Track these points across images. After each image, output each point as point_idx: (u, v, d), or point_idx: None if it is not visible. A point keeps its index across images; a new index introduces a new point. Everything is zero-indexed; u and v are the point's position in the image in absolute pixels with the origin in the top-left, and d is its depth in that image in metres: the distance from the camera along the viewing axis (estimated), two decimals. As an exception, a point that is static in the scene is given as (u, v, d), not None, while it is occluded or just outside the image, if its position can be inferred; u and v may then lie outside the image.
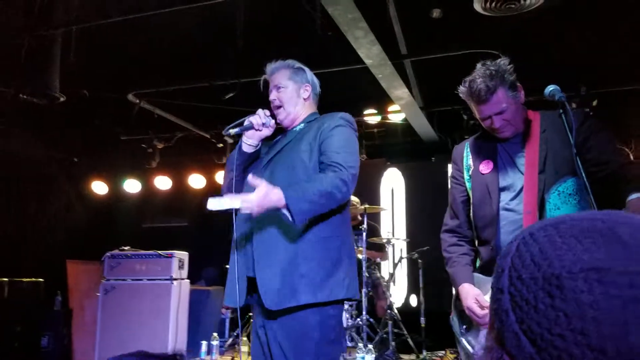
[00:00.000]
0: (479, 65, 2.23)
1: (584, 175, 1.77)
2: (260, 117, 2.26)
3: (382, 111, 5.77)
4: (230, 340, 5.10)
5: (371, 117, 5.87)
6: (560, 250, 0.52)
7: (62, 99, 4.17)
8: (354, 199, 5.48)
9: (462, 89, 2.27)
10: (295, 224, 1.97)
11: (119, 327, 4.93)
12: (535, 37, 4.36)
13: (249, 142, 2.30)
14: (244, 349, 4.65)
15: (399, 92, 4.44)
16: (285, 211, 1.96)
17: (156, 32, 4.60)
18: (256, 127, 2.26)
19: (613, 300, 0.48)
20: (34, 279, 5.66)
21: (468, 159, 2.41)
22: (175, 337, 4.93)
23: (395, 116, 5.80)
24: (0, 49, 4.13)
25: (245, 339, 4.77)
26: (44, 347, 5.85)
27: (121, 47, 4.79)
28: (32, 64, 3.91)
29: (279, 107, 2.36)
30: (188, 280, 5.25)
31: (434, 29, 4.58)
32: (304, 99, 2.41)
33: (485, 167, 2.31)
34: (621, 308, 0.48)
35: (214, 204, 2.04)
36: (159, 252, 5.09)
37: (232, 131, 2.25)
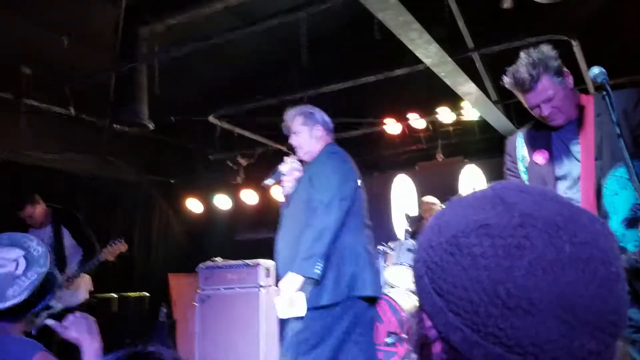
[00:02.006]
0: (522, 54, 2.20)
1: (627, 156, 1.70)
2: (287, 164, 2.87)
3: (456, 108, 5.69)
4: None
5: (445, 115, 5.80)
6: (458, 216, 0.61)
7: (151, 127, 4.57)
8: (431, 200, 5.43)
9: (506, 80, 2.25)
10: (317, 277, 2.48)
11: (216, 335, 5.25)
12: (608, 22, 4.13)
13: (287, 185, 2.87)
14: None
15: (466, 88, 4.37)
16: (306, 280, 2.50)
17: (225, 54, 4.92)
18: (287, 174, 2.84)
19: (499, 250, 0.56)
20: (139, 293, 6.16)
21: (522, 150, 2.37)
22: (266, 342, 5.16)
23: (470, 112, 5.69)
24: (93, 84, 4.61)
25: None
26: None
27: (199, 72, 5.18)
28: (121, 96, 4.34)
29: (299, 148, 2.88)
30: (276, 287, 5.47)
31: (501, 19, 4.47)
32: (317, 138, 2.88)
33: (540, 157, 2.26)
34: (506, 255, 0.55)
35: (282, 312, 2.60)
36: (246, 261, 5.38)
37: (268, 182, 2.91)
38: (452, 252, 0.59)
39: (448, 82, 4.18)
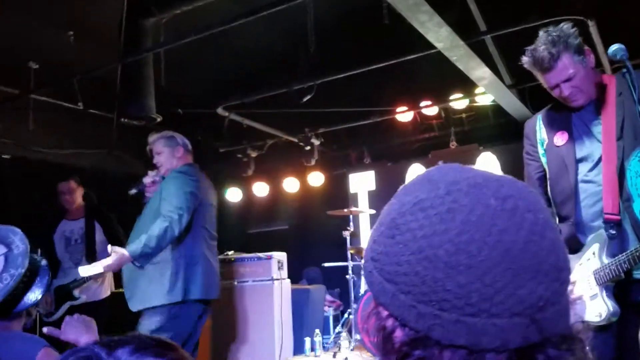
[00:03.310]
0: (541, 33, 2.11)
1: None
2: (149, 177, 3.41)
3: (469, 94, 5.56)
4: (333, 336, 5.19)
5: (458, 101, 5.68)
6: (394, 204, 0.66)
7: (158, 120, 4.52)
8: None
9: (525, 59, 2.17)
10: (138, 264, 2.97)
11: (230, 328, 5.21)
12: (625, 2, 3.97)
13: (148, 195, 3.36)
14: (345, 344, 4.71)
15: (479, 73, 4.25)
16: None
17: (232, 45, 4.84)
18: (148, 185, 3.37)
19: (433, 218, 0.59)
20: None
21: (541, 133, 2.29)
22: (282, 334, 5.12)
23: (484, 98, 5.56)
24: (100, 78, 4.57)
25: (346, 334, 4.83)
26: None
27: (204, 63, 5.10)
28: (127, 89, 4.28)
29: (160, 165, 3.39)
30: (288, 280, 5.43)
31: (514, 1, 4.34)
32: (177, 158, 3.40)
33: (560, 139, 2.17)
34: (440, 220, 0.58)
35: (85, 270, 3.02)
36: (258, 254, 5.33)
37: (132, 192, 3.42)
38: (392, 235, 0.61)
39: (460, 66, 4.07)
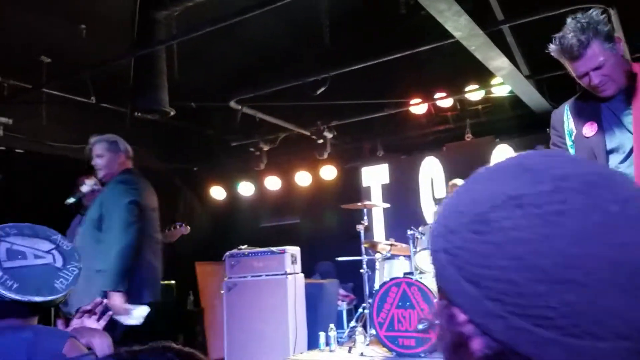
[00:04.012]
0: (569, 20, 2.03)
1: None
2: (87, 185, 3.49)
3: (485, 85, 5.47)
4: (347, 331, 5.15)
5: (473, 93, 5.58)
6: (479, 192, 0.55)
7: (172, 113, 4.48)
8: (460, 182, 5.25)
9: (552, 47, 2.09)
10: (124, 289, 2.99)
11: (244, 322, 5.19)
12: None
13: (87, 204, 3.38)
14: (360, 339, 4.66)
15: (498, 63, 4.16)
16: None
17: (244, 37, 4.79)
18: (87, 194, 3.44)
19: (533, 219, 0.50)
20: (166, 282, 6.14)
21: (569, 123, 2.21)
22: (295, 329, 5.09)
23: (500, 89, 5.47)
24: (113, 72, 4.54)
25: (361, 329, 4.78)
26: (180, 344, 6.35)
27: (217, 57, 5.06)
28: (141, 83, 4.25)
29: (100, 169, 3.32)
30: (302, 274, 5.39)
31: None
32: (119, 163, 3.35)
33: (589, 130, 2.10)
34: (544, 223, 0.49)
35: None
36: (272, 248, 5.29)
37: (70, 200, 3.44)
38: (478, 231, 0.52)
39: (478, 56, 3.98)
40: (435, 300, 3.18)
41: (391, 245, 5.04)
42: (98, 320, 1.84)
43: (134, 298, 3.05)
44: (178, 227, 4.46)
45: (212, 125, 6.56)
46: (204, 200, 7.72)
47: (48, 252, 1.61)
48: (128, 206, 3.05)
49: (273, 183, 7.28)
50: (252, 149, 6.58)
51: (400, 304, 4.27)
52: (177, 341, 5.50)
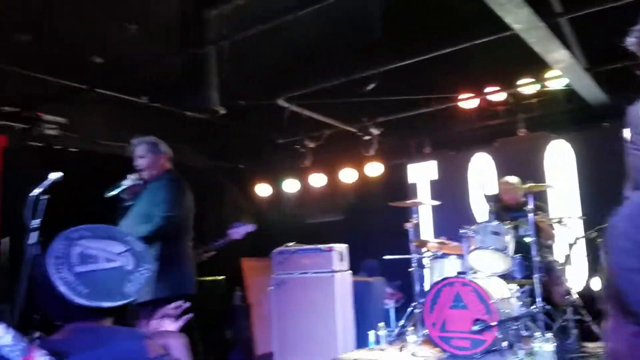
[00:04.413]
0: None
1: None
2: (129, 180, 3.58)
3: (539, 79, 5.28)
4: (397, 330, 5.08)
5: (527, 86, 5.40)
6: None
7: (221, 112, 4.50)
8: (513, 179, 5.09)
9: (631, 40, 1.95)
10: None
11: (292, 319, 5.20)
12: None
13: (126, 197, 3.60)
14: (412, 338, 4.59)
15: (558, 55, 4.00)
16: None
17: (292, 35, 4.75)
18: (128, 188, 3.56)
19: None
20: (215, 278, 6.21)
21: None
22: (344, 327, 5.06)
23: (555, 82, 5.27)
24: (162, 71, 4.59)
25: (412, 328, 4.70)
26: (229, 339, 6.42)
27: (264, 54, 5.04)
28: (191, 82, 4.28)
29: (142, 169, 3.60)
30: (349, 272, 5.36)
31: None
32: (160, 164, 3.62)
33: None
34: None
35: None
36: (319, 246, 5.27)
37: (110, 193, 3.57)
38: None
39: (537, 49, 3.83)
40: (491, 301, 3.06)
41: (442, 243, 4.93)
42: (175, 321, 1.85)
43: (177, 289, 3.29)
44: (243, 225, 4.64)
45: (258, 123, 6.58)
46: (249, 197, 7.76)
47: (120, 254, 1.61)
48: (174, 201, 3.41)
49: (318, 180, 7.25)
50: (297, 147, 6.57)
51: (453, 304, 4.17)
52: (226, 335, 5.56)
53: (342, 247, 5.32)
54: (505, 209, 5.06)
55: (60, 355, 1.30)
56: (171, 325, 1.87)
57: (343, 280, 5.22)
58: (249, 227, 4.65)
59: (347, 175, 6.98)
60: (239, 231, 4.56)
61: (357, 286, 5.44)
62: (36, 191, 3.08)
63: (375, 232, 6.66)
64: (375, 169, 6.65)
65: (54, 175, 3.17)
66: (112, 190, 3.58)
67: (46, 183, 3.13)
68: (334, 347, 4.93)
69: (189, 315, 1.92)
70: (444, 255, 4.85)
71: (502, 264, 4.49)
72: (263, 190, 7.68)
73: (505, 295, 4.27)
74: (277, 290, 5.41)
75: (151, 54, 4.55)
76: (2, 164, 5.10)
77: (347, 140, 6.47)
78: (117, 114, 5.33)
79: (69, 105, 5.08)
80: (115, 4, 4.42)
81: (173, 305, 1.89)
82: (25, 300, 2.89)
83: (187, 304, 1.94)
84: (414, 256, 4.95)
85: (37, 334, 1.46)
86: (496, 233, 4.36)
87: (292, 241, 5.73)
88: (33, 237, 3.02)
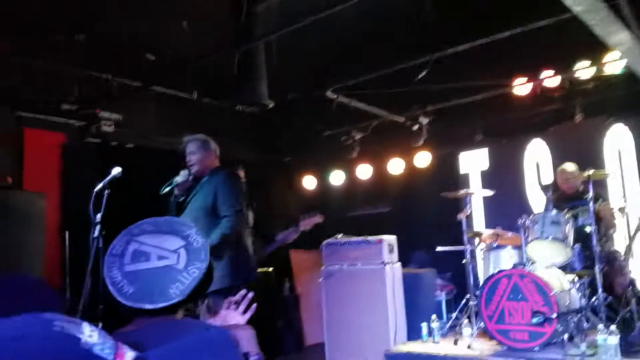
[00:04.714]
0: None
1: None
2: (181, 176, 3.72)
3: (596, 62, 5.06)
4: (450, 322, 5.01)
5: (584, 70, 5.18)
6: None
7: (271, 105, 4.52)
8: (571, 167, 4.91)
9: None
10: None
11: (342, 310, 5.20)
12: None
13: (177, 193, 3.75)
14: (467, 331, 4.51)
15: (619, 37, 3.80)
16: None
17: (342, 25, 4.71)
18: (180, 183, 3.71)
19: None
20: (265, 269, 6.28)
21: None
22: (395, 319, 5.02)
23: (613, 66, 5.04)
24: (211, 66, 4.64)
25: (466, 321, 4.63)
26: (279, 329, 6.49)
27: (314, 47, 5.02)
28: (241, 76, 4.32)
29: (194, 165, 3.73)
30: (399, 264, 5.31)
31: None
32: (210, 160, 3.77)
33: None
34: None
35: None
36: (369, 238, 5.24)
37: (164, 190, 3.73)
38: None
39: (598, 31, 3.66)
40: (551, 293, 2.97)
41: (497, 234, 4.82)
42: (244, 313, 1.84)
43: (241, 278, 3.48)
44: (314, 215, 4.89)
45: (304, 115, 6.58)
46: (295, 190, 7.81)
47: (174, 251, 1.55)
48: (238, 195, 3.61)
49: (364, 171, 7.21)
50: (344, 138, 6.54)
51: (511, 296, 4.07)
52: (276, 326, 5.61)
53: (391, 239, 5.27)
54: (564, 198, 4.89)
55: (138, 349, 1.30)
56: (239, 316, 1.86)
57: (393, 272, 5.17)
58: (316, 219, 4.86)
59: (395, 166, 6.91)
60: (307, 222, 4.79)
61: (407, 278, 5.39)
62: (98, 186, 3.19)
63: (423, 224, 6.57)
64: (424, 158, 6.56)
65: (114, 171, 3.27)
66: (166, 187, 3.74)
67: (107, 179, 3.23)
68: (386, 339, 4.90)
69: (255, 305, 1.90)
70: (499, 247, 4.74)
71: (561, 254, 4.36)
72: (309, 182, 7.70)
73: (565, 287, 4.14)
74: (327, 281, 5.42)
75: (202, 50, 4.61)
76: (61, 160, 5.30)
77: (394, 131, 6.39)
78: (169, 110, 5.45)
79: (123, 102, 5.22)
80: (167, 2, 4.50)
81: (238, 295, 1.87)
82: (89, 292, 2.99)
83: (252, 294, 1.92)
84: (468, 247, 4.85)
85: (99, 326, 1.46)
86: (556, 223, 4.22)
87: (339, 233, 5.73)
88: (96, 231, 3.12)
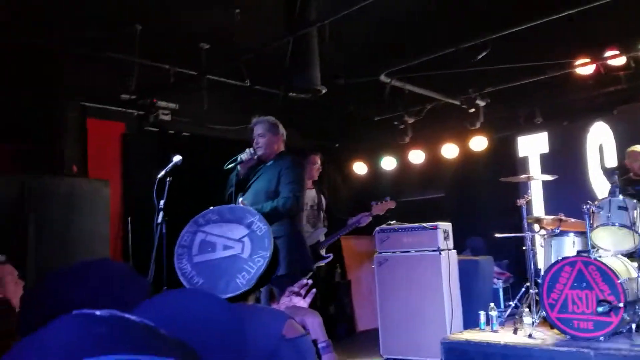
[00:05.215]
0: None
1: None
2: (246, 154, 3.64)
3: (630, 49, 4.78)
4: (508, 310, 4.89)
5: (615, 59, 4.91)
6: None
7: (323, 91, 4.50)
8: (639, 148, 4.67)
9: None
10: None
11: (396, 297, 5.17)
12: None
13: (241, 170, 3.70)
14: (527, 320, 4.39)
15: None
16: None
17: (396, 8, 4.62)
18: (245, 162, 3.65)
19: None
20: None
21: None
22: (451, 306, 4.95)
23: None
24: (264, 54, 4.65)
25: (527, 309, 4.50)
26: (332, 315, 6.54)
27: (367, 30, 4.95)
28: (294, 62, 4.31)
29: (260, 147, 3.68)
30: (455, 251, 5.22)
31: None
32: (277, 144, 3.74)
33: None
34: None
35: None
36: (423, 224, 5.16)
37: (228, 166, 3.65)
38: None
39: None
40: (618, 282, 2.84)
41: (559, 220, 4.64)
42: (304, 298, 1.86)
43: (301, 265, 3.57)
44: (386, 201, 4.90)
45: (355, 100, 6.52)
46: (345, 176, 7.78)
47: (239, 240, 1.59)
48: (300, 183, 3.62)
49: (417, 156, 7.10)
50: (396, 123, 6.44)
51: (575, 284, 3.92)
52: (329, 311, 5.65)
53: (447, 225, 5.18)
54: (631, 182, 4.66)
55: None
56: (301, 302, 1.88)
57: (449, 259, 5.09)
58: (390, 204, 4.88)
59: (449, 151, 6.76)
60: (381, 208, 4.83)
61: (462, 265, 5.29)
62: (161, 173, 3.28)
63: (479, 210, 6.43)
64: (480, 142, 6.38)
65: (175, 158, 3.34)
66: (230, 163, 3.69)
67: (169, 166, 3.31)
68: (442, 326, 4.84)
69: (314, 291, 1.91)
70: (561, 233, 4.57)
71: (628, 241, 4.15)
72: (359, 168, 7.66)
73: (633, 275, 3.95)
74: (380, 268, 5.39)
75: (255, 38, 4.62)
76: (122, 149, 5.49)
77: (448, 114, 6.24)
78: (221, 98, 5.51)
79: (178, 91, 5.32)
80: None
81: (299, 283, 1.89)
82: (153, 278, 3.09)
83: (311, 281, 1.94)
84: (528, 234, 4.70)
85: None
86: (623, 208, 4.02)
87: (391, 220, 5.67)
88: (160, 217, 3.22)
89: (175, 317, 0.57)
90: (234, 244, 1.58)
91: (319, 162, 4.97)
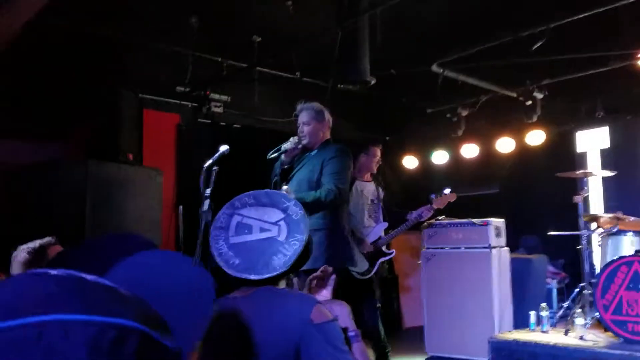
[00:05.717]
0: None
1: None
2: (290, 143, 3.49)
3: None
4: (561, 311, 4.70)
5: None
6: None
7: (372, 82, 4.47)
8: None
9: None
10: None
11: (443, 293, 5.08)
12: None
13: (285, 159, 3.54)
14: (579, 321, 4.21)
15: None
16: None
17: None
18: (289, 151, 3.49)
19: None
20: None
21: None
22: (500, 305, 4.82)
23: None
24: (313, 46, 4.66)
25: (579, 310, 4.31)
26: (379, 309, 6.49)
27: (419, 20, 4.87)
28: (344, 54, 4.30)
29: (305, 136, 3.54)
30: (507, 248, 5.07)
31: None
32: (323, 132, 3.61)
33: None
34: None
35: None
36: (474, 220, 5.04)
37: (271, 155, 3.53)
38: None
39: None
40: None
41: (617, 219, 4.41)
42: (326, 287, 1.86)
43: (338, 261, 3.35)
44: (446, 194, 4.78)
45: (406, 92, 6.43)
46: (396, 169, 7.69)
47: (275, 223, 1.60)
48: (346, 174, 3.49)
49: (470, 150, 6.90)
50: (448, 115, 6.30)
51: (631, 285, 3.73)
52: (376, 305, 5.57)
53: (499, 222, 5.04)
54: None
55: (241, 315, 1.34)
56: (324, 292, 1.87)
57: (500, 257, 4.95)
58: (451, 196, 4.74)
59: (504, 145, 6.53)
60: (442, 201, 4.68)
61: (515, 263, 5.14)
62: (208, 162, 3.36)
63: (535, 206, 6.21)
64: (537, 137, 6.13)
65: (222, 148, 3.43)
66: (274, 152, 3.60)
67: (216, 155, 3.40)
68: (490, 325, 4.72)
69: (334, 277, 1.88)
70: (619, 232, 4.34)
71: (693, 243, 3.90)
72: (410, 162, 7.55)
73: (697, 279, 3.71)
74: (428, 264, 5.32)
75: (306, 30, 4.64)
76: (176, 140, 5.67)
77: (505, 107, 6.03)
78: (274, 90, 5.59)
79: (232, 84, 5.43)
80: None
81: (318, 271, 1.86)
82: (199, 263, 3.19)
83: (331, 268, 1.91)
84: (584, 232, 4.50)
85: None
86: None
87: (442, 215, 5.56)
88: (206, 205, 3.31)
89: (145, 277, 0.59)
90: (271, 226, 1.60)
91: (379, 154, 4.78)
